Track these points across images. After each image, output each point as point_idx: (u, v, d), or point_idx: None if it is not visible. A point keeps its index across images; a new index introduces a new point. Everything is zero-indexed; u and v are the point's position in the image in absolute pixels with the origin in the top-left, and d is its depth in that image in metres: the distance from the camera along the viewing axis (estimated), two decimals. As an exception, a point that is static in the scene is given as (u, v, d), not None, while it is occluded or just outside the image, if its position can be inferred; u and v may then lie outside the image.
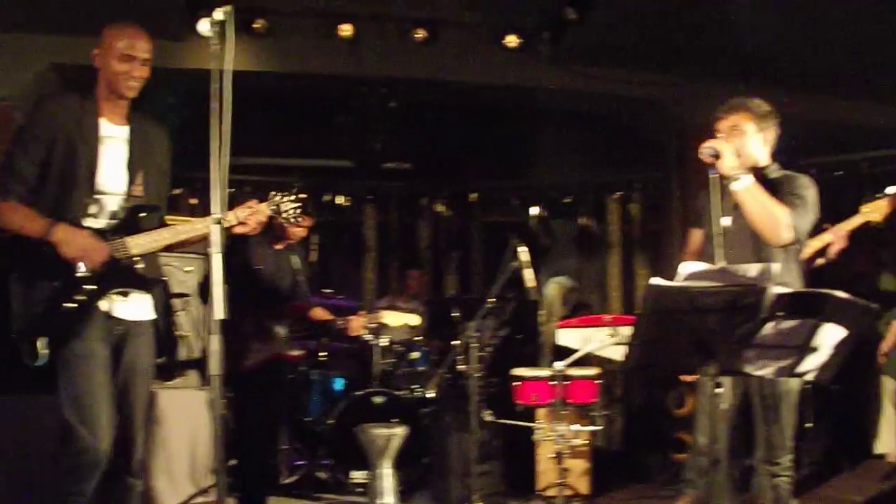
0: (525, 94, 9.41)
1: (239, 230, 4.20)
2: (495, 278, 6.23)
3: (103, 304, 3.96)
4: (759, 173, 4.52)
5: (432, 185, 11.71)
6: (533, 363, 8.38)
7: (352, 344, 8.33)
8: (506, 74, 8.98)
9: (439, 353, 8.45)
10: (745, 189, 4.33)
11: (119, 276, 3.99)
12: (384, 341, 7.98)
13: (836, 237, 5.61)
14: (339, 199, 11.24)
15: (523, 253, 6.15)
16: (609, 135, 10.56)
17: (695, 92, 8.74)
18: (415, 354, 8.29)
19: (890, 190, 5.88)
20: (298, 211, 4.41)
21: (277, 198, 4.36)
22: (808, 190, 4.48)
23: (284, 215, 4.37)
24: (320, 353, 8.19)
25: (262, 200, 4.33)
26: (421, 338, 8.53)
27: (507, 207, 11.77)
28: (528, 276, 6.18)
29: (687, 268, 3.43)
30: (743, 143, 4.52)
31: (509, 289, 6.56)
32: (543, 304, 10.89)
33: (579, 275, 11.70)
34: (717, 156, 4.31)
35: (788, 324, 3.43)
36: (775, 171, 4.63)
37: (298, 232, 6.13)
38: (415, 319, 6.96)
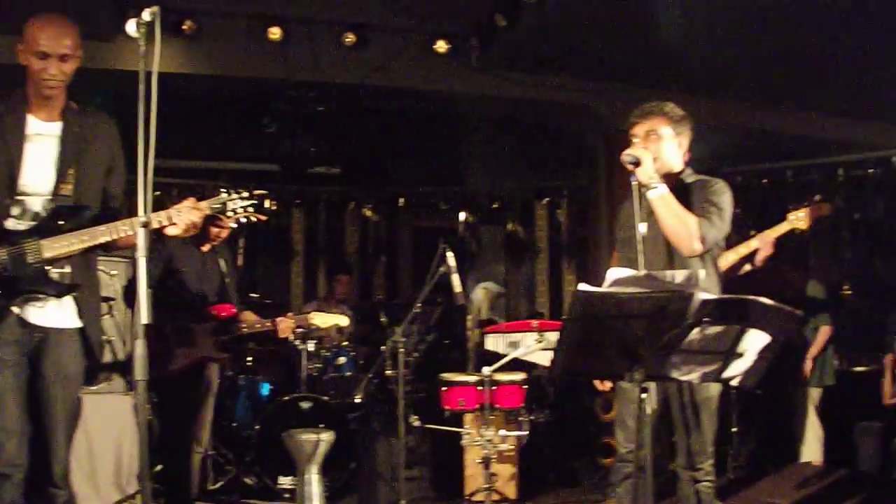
0: (454, 100, 9.42)
1: (170, 231, 3.90)
2: (423, 283, 6.22)
3: (15, 309, 3.79)
4: (675, 179, 4.56)
5: (361, 189, 11.69)
6: (460, 368, 8.41)
7: (279, 348, 8.28)
8: (435, 80, 8.97)
9: (366, 358, 8.45)
10: (660, 198, 4.35)
11: (30, 280, 3.79)
12: (311, 346, 7.95)
13: (762, 244, 5.70)
14: (267, 203, 11.12)
15: (451, 258, 6.14)
16: (538, 141, 10.62)
17: (623, 98, 8.75)
18: (342, 360, 8.28)
19: (816, 198, 6.03)
20: (252, 210, 4.15)
21: (225, 195, 4.09)
22: (724, 196, 4.50)
23: (232, 214, 4.11)
24: (247, 358, 8.13)
25: (201, 198, 4.06)
26: (348, 343, 8.52)
27: (435, 213, 11.78)
28: (456, 281, 6.19)
29: (614, 274, 3.45)
30: (659, 149, 4.52)
31: (437, 294, 6.57)
32: (471, 309, 10.91)
33: (507, 280, 11.77)
34: (637, 163, 4.32)
35: (714, 329, 3.46)
36: (690, 176, 4.66)
37: (222, 233, 6.04)
38: (344, 320, 6.93)
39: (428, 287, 6.18)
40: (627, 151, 4.37)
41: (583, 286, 3.40)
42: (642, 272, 3.61)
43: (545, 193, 11.56)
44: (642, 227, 4.37)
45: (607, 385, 4.83)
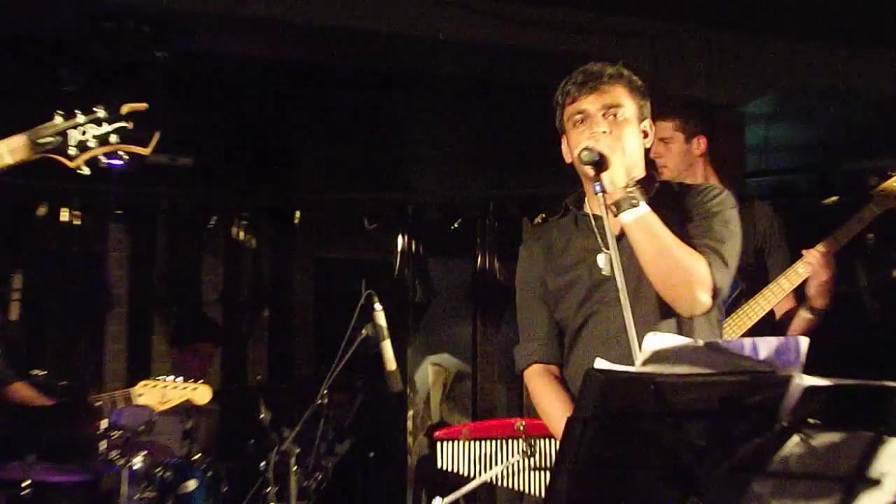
0: (389, 48, 9.51)
1: None
2: (333, 355, 6.18)
3: None
4: (647, 188, 4.65)
5: (229, 195, 11.64)
6: (394, 500, 8.40)
7: (79, 462, 8.18)
8: (357, 13, 8.98)
9: (234, 480, 8.37)
10: (640, 222, 4.41)
11: None
12: (138, 461, 7.86)
13: (817, 262, 5.92)
14: (64, 214, 11.00)
15: (381, 313, 6.20)
16: (525, 120, 10.54)
17: (676, 47, 8.95)
18: (191, 484, 8.19)
19: None
20: (119, 139, 3.96)
21: (60, 120, 3.86)
22: (730, 211, 4.67)
23: (78, 153, 3.90)
24: (22, 485, 8.00)
25: None
26: (202, 455, 8.42)
27: (354, 236, 11.79)
28: (389, 352, 6.19)
29: (653, 342, 3.43)
30: (622, 139, 4.61)
31: (356, 374, 6.55)
32: (414, 399, 10.88)
33: (477, 351, 11.75)
34: (600, 164, 4.39)
35: (828, 438, 3.46)
36: (671, 184, 4.88)
37: None
38: (203, 393, 6.78)
39: (342, 362, 6.18)
40: (587, 144, 4.45)
41: (601, 362, 3.46)
42: (701, 340, 3.58)
43: (538, 205, 11.52)
44: (602, 262, 4.59)
45: None
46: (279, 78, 10.16)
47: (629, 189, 4.38)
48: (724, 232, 4.55)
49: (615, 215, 4.39)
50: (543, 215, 11.42)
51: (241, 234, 11.62)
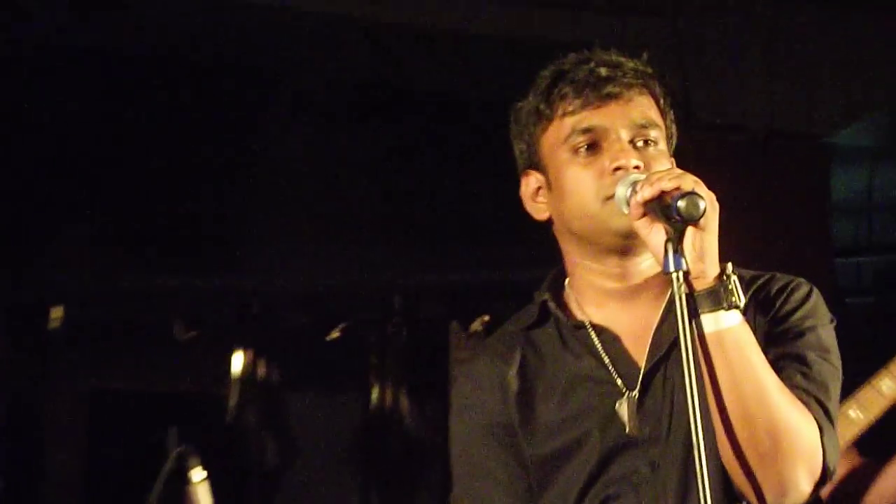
0: (224, 31, 9.15)
1: None
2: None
3: None
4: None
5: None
6: None
7: None
8: None
9: None
10: (733, 336, 3.71)
11: None
12: None
13: None
14: None
15: (202, 485, 5.59)
16: (454, 155, 10.38)
17: (705, 34, 8.89)
18: None
19: None
20: None
21: None
22: (829, 327, 4.10)
23: None
24: None
25: None
26: None
27: (157, 353, 10.63)
28: None
29: None
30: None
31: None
32: None
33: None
34: (697, 219, 3.69)
35: None
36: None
37: None
38: None
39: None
40: (689, 188, 3.71)
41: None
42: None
43: (475, 302, 11.14)
44: (624, 414, 3.98)
45: None
46: (31, 87, 9.78)
47: (728, 274, 3.72)
48: (825, 370, 3.88)
49: (691, 315, 3.63)
50: (486, 318, 10.90)
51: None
